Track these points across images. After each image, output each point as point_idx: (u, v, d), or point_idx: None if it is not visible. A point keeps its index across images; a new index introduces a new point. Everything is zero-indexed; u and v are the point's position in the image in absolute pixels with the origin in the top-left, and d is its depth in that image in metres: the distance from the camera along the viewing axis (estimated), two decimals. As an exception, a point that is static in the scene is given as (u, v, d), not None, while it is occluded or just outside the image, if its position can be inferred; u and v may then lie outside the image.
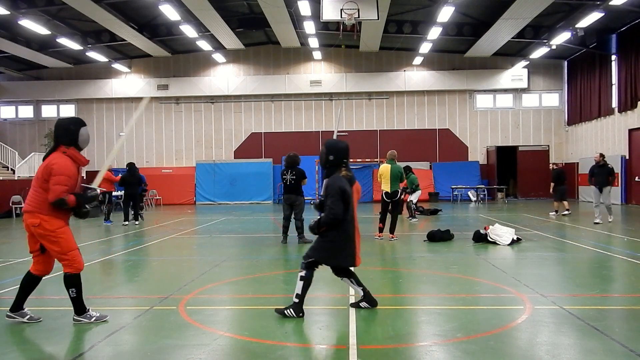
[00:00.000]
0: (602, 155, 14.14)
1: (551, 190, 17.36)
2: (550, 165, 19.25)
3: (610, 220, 13.91)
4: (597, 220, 13.56)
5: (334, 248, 5.23)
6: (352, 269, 5.50)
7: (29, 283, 5.17)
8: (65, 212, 5.03)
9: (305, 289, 5.22)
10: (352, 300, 5.88)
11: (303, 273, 5.23)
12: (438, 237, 10.92)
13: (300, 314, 5.20)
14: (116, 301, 6.32)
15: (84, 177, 25.96)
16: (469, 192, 25.69)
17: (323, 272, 6.55)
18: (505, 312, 5.48)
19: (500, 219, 14.74)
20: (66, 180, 4.89)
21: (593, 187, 14.07)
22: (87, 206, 5.10)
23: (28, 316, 5.16)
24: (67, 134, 5.02)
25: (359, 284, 5.49)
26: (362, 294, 5.48)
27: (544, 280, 7.05)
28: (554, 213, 16.63)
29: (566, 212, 16.50)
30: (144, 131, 28.59)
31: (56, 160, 4.94)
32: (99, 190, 5.15)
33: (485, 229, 10.73)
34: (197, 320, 5.17)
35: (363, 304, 5.47)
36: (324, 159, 5.35)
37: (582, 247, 9.96)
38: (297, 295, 5.20)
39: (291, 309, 5.20)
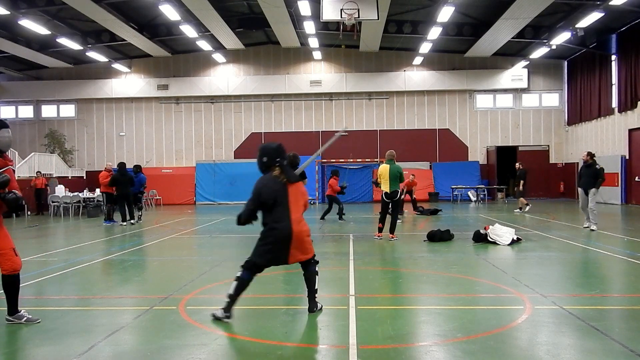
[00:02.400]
0: (590, 154, 12.63)
1: (518, 188, 19.17)
2: (517, 165, 19.53)
3: (592, 228, 12.18)
4: (586, 225, 12.48)
5: (262, 248, 5.21)
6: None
7: (8, 285, 5.08)
8: None
9: (238, 290, 5.15)
10: (353, 300, 5.88)
11: (239, 274, 5.22)
12: (438, 237, 10.92)
13: (228, 314, 5.11)
14: (116, 301, 6.32)
15: (84, 179, 25.94)
16: (469, 192, 25.68)
17: (323, 273, 6.56)
18: (505, 312, 5.48)
19: (500, 219, 14.75)
20: None
21: (579, 190, 12.69)
22: (7, 194, 4.92)
23: (25, 318, 5.14)
24: None
25: (307, 282, 5.41)
26: (306, 294, 5.44)
27: (544, 280, 7.05)
28: (518, 210, 18.14)
29: (525, 209, 18.15)
30: (144, 131, 28.59)
31: None
32: (7, 175, 4.96)
33: (485, 229, 10.73)
34: (197, 320, 5.18)
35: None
36: (260, 163, 5.38)
37: (582, 247, 9.96)
38: (230, 295, 5.15)
39: (221, 309, 5.15)
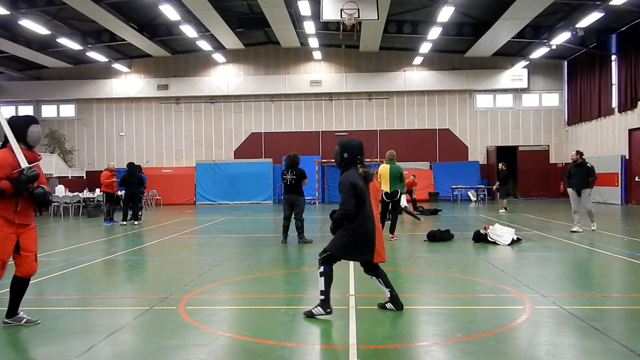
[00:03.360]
0: (579, 153, 12.13)
1: (496, 188, 19.80)
2: (500, 165, 19.75)
3: (593, 227, 11.96)
4: (575, 229, 11.86)
5: (350, 243, 5.18)
6: (383, 268, 5.45)
7: (16, 287, 5.06)
8: (7, 207, 4.85)
9: (327, 284, 5.14)
10: (353, 300, 5.89)
11: (322, 269, 5.19)
12: (438, 237, 10.92)
13: (328, 310, 5.14)
14: (116, 301, 6.31)
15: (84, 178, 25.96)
16: (469, 192, 25.68)
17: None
18: (505, 312, 5.48)
19: (500, 219, 14.75)
20: None
21: (570, 190, 12.10)
22: (36, 189, 4.90)
23: (25, 319, 5.09)
24: (17, 131, 4.98)
25: (387, 284, 5.38)
26: (389, 295, 5.39)
27: (544, 280, 7.04)
28: (503, 210, 18.32)
29: (503, 211, 18.28)
30: (144, 131, 28.60)
31: None
32: (37, 170, 4.93)
33: (485, 229, 10.72)
34: (197, 320, 5.17)
35: (389, 305, 5.41)
36: (339, 158, 5.37)
37: (582, 247, 9.96)
38: (322, 292, 5.14)
39: (319, 307, 5.16)
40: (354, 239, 5.17)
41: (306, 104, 27.95)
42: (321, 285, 5.15)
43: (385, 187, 11.03)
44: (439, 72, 27.28)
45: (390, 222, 11.35)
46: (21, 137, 4.99)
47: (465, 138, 27.63)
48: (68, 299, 6.47)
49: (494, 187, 20.28)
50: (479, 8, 21.12)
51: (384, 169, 11.10)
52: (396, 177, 10.97)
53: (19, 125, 5.01)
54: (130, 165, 16.16)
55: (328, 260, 5.24)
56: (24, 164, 4.87)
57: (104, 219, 16.52)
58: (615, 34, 21.96)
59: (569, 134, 27.11)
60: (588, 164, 12.06)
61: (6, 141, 4.97)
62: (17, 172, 4.84)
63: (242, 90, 27.75)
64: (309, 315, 5.18)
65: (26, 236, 5.01)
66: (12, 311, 5.08)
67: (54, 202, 20.17)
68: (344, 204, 5.08)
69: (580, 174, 11.91)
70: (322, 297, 5.14)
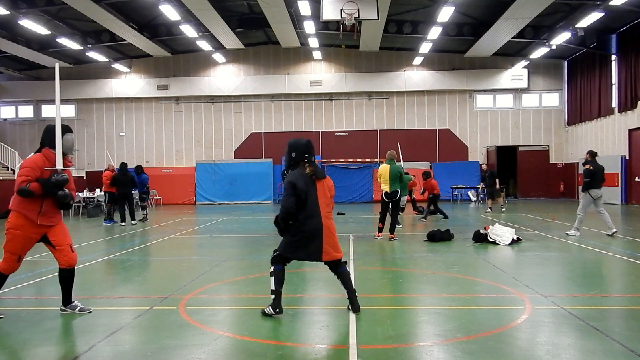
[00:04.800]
0: (587, 153, 11.80)
1: (483, 187, 19.99)
2: (483, 165, 19.93)
3: (568, 232, 11.68)
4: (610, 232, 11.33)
5: (294, 242, 5.26)
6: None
7: (63, 279, 5.44)
8: (31, 208, 5.21)
9: (277, 283, 5.22)
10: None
11: (272, 269, 5.30)
12: (438, 237, 10.92)
13: (277, 310, 5.19)
14: (116, 301, 6.32)
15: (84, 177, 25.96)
16: (469, 192, 25.68)
17: (323, 273, 6.56)
18: (505, 312, 5.48)
19: (500, 219, 14.75)
20: (27, 172, 5.18)
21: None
22: (62, 191, 5.25)
23: (79, 308, 5.47)
24: (49, 137, 5.40)
25: (346, 285, 5.35)
26: (347, 296, 5.37)
27: (544, 280, 7.05)
28: (489, 210, 18.79)
29: (488, 210, 18.62)
30: (144, 131, 28.60)
31: (26, 158, 5.38)
32: (66, 175, 5.29)
33: (485, 229, 10.73)
34: (197, 320, 5.18)
35: (348, 306, 5.40)
36: (287, 158, 5.44)
37: (582, 247, 9.96)
38: (272, 291, 5.22)
39: (270, 307, 5.23)
40: (298, 238, 5.24)
41: (306, 104, 27.95)
42: (271, 285, 5.23)
43: (385, 187, 11.02)
44: (439, 72, 27.27)
45: (390, 222, 11.34)
46: (55, 143, 5.35)
47: (465, 138, 27.62)
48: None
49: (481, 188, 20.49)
50: (479, 8, 21.12)
51: (384, 169, 11.09)
52: (396, 177, 10.96)
53: (55, 133, 5.36)
54: (123, 165, 16.12)
55: (278, 260, 5.32)
56: (59, 165, 5.27)
57: (104, 219, 16.52)
58: (615, 34, 21.96)
59: (569, 134, 27.10)
60: (586, 165, 11.53)
61: (41, 147, 5.41)
62: (50, 170, 5.25)
63: (242, 90, 27.75)
64: (263, 313, 5.27)
65: (54, 232, 5.36)
66: (67, 299, 5.49)
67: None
68: (283, 203, 5.20)
69: (584, 175, 11.53)
70: (273, 296, 5.21)
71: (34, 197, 5.17)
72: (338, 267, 5.39)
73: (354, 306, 5.32)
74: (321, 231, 5.21)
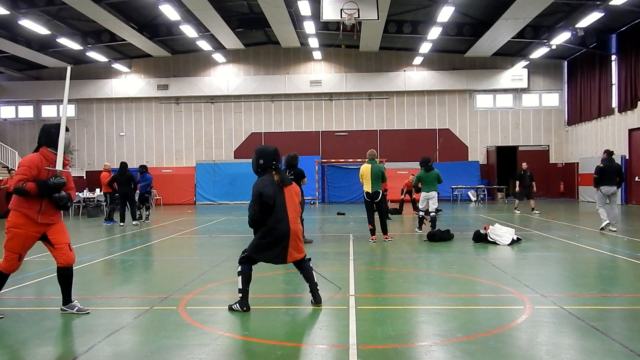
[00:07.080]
0: (604, 152, 12.49)
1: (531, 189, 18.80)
2: (524, 165, 19.48)
3: (604, 225, 12.05)
4: (610, 227, 11.97)
5: (261, 245, 5.48)
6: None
7: (62, 277, 5.46)
8: (31, 207, 5.21)
9: (244, 283, 5.45)
10: (353, 300, 5.89)
11: (239, 268, 5.51)
12: (438, 237, 10.92)
13: (245, 308, 5.40)
14: (116, 301, 6.32)
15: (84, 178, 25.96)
16: (469, 192, 25.68)
17: (323, 273, 6.56)
18: (505, 312, 5.48)
19: (500, 219, 14.75)
20: (24, 171, 5.18)
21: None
22: (59, 193, 5.26)
23: (77, 308, 5.47)
24: (49, 137, 5.38)
25: (307, 279, 5.66)
26: (309, 289, 5.66)
27: (544, 280, 7.05)
28: (536, 212, 18.00)
29: (535, 212, 17.95)
30: (144, 131, 28.60)
31: (24, 157, 5.38)
32: (64, 179, 5.29)
33: (485, 229, 10.73)
34: (197, 320, 5.18)
35: (311, 300, 5.65)
36: (255, 164, 5.60)
37: (582, 247, 9.95)
38: (239, 290, 5.44)
39: (237, 304, 5.45)
40: (265, 241, 5.46)
41: (306, 104, 27.95)
42: (239, 284, 5.46)
43: (367, 188, 10.80)
44: (439, 72, 27.27)
45: (380, 222, 11.14)
46: (52, 143, 5.35)
47: (465, 138, 27.62)
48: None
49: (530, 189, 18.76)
50: (479, 8, 21.12)
51: (365, 169, 10.84)
52: (378, 176, 10.73)
53: (51, 131, 5.38)
54: (122, 164, 16.09)
55: (246, 260, 5.54)
56: (59, 166, 5.26)
57: (104, 219, 16.52)
58: (615, 34, 21.95)
59: (569, 134, 27.10)
60: (598, 163, 12.24)
61: (39, 146, 5.40)
62: (49, 170, 5.25)
63: (242, 90, 27.75)
64: (230, 308, 5.48)
65: (54, 231, 5.39)
66: (67, 299, 5.49)
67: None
68: (249, 210, 5.44)
69: (594, 172, 12.18)
70: (240, 294, 5.43)
71: (30, 196, 5.18)
72: (302, 264, 5.67)
73: (316, 299, 5.59)
74: (288, 235, 5.45)
